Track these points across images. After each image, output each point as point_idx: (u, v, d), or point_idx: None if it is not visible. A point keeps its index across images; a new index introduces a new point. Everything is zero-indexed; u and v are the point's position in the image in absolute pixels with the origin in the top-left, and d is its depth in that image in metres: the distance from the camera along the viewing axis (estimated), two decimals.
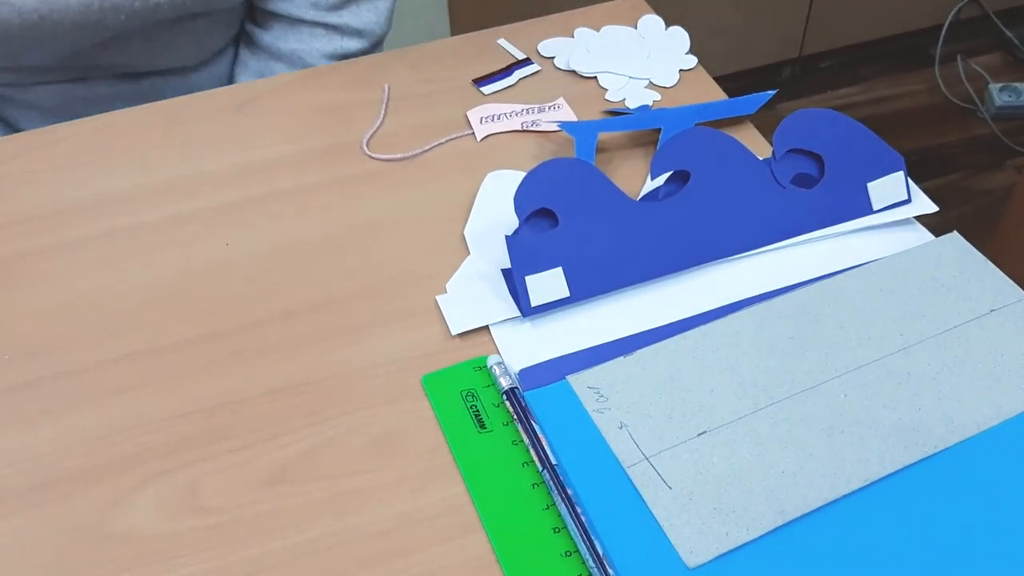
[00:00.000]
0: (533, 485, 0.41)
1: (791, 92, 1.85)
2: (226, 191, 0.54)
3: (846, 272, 0.48)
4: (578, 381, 0.44)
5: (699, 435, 0.42)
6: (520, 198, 0.46)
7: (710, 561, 0.37)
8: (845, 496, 0.39)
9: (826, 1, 1.82)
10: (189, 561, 0.38)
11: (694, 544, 0.38)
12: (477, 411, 0.43)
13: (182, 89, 0.66)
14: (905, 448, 0.41)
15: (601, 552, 0.38)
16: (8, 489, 0.41)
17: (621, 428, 0.42)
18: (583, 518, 0.39)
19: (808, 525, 0.39)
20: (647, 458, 0.41)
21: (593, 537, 0.38)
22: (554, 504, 0.40)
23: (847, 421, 0.42)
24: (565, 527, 0.39)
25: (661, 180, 0.50)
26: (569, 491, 0.39)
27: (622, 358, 0.45)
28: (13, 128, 0.68)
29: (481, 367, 0.45)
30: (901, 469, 0.40)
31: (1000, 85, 1.69)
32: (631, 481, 0.40)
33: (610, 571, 0.37)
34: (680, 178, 0.49)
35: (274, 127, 0.58)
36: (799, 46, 1.89)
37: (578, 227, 0.47)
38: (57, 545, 0.39)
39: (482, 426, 0.43)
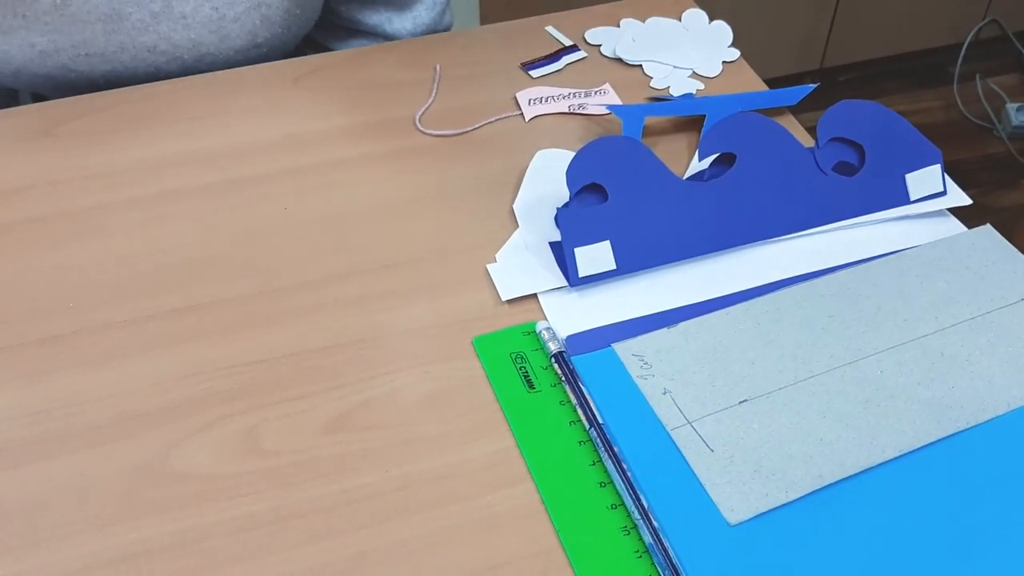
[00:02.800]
0: (580, 442, 0.42)
1: (810, 104, 1.87)
2: (283, 159, 0.56)
3: (884, 257, 0.50)
4: (623, 349, 0.46)
5: (740, 403, 0.43)
6: (572, 172, 0.48)
7: (749, 519, 0.39)
8: (880, 464, 0.41)
9: (849, 15, 1.85)
10: (249, 500, 0.40)
11: (735, 503, 0.40)
12: (526, 372, 0.45)
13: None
14: (938, 423, 0.42)
15: (646, 505, 0.39)
16: (74, 427, 0.43)
17: (664, 394, 0.44)
18: (628, 474, 0.40)
19: (844, 490, 0.40)
20: (690, 422, 0.43)
21: (638, 491, 0.40)
22: (600, 461, 0.41)
23: (883, 396, 0.44)
24: (610, 482, 0.41)
25: (707, 162, 0.52)
26: (615, 449, 0.41)
27: (666, 329, 0.46)
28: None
29: (529, 332, 0.47)
30: (934, 442, 0.42)
31: (1017, 105, 1.71)
32: (674, 443, 0.42)
33: (655, 523, 0.39)
34: (725, 161, 0.51)
35: (329, 101, 0.60)
36: (820, 59, 1.92)
37: (626, 203, 0.48)
38: (121, 481, 0.41)
39: (531, 386, 0.45)
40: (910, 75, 1.88)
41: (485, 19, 1.40)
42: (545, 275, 0.49)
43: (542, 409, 0.44)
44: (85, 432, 0.43)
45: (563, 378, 0.44)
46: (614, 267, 0.48)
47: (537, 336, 0.46)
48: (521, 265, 0.50)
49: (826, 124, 0.51)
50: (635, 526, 0.39)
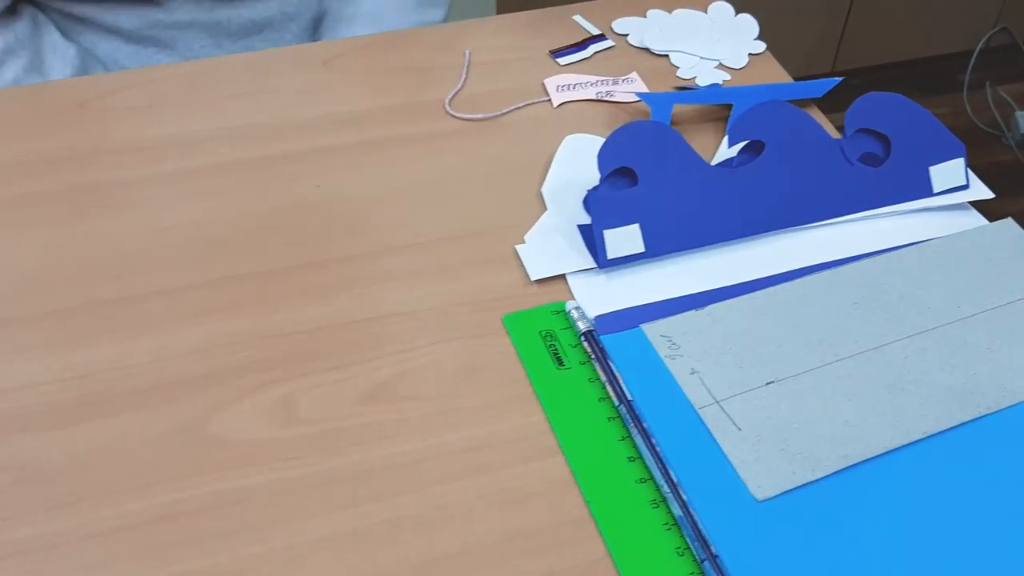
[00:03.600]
0: (608, 418, 0.43)
1: (820, 106, 1.89)
2: (315, 138, 0.57)
3: (908, 247, 0.51)
4: (651, 329, 0.46)
5: (767, 384, 0.44)
6: (603, 155, 0.49)
7: (776, 496, 0.40)
8: (904, 447, 0.42)
9: (861, 20, 1.86)
10: (287, 465, 0.41)
11: (762, 480, 0.41)
12: (555, 350, 0.46)
13: (257, 20, 0.69)
14: (960, 408, 0.43)
15: (676, 480, 0.40)
16: (116, 391, 0.44)
17: (693, 374, 0.45)
18: (658, 449, 0.41)
19: (869, 470, 0.41)
20: (718, 401, 0.44)
21: (668, 467, 0.41)
22: (628, 436, 0.42)
23: (907, 380, 0.44)
24: (639, 457, 0.42)
25: (735, 149, 0.53)
26: (645, 425, 0.42)
27: (694, 311, 0.47)
28: (91, 55, 0.70)
29: (558, 311, 0.48)
30: (957, 426, 0.43)
31: None
32: (702, 421, 0.43)
33: (684, 497, 0.40)
34: (754, 148, 0.52)
35: (360, 83, 0.61)
36: (832, 62, 1.93)
37: (656, 187, 0.49)
38: (162, 444, 0.42)
39: (560, 363, 0.45)
40: (920, 81, 1.89)
41: (502, 8, 1.41)
42: (573, 256, 0.50)
43: (571, 386, 0.45)
44: (127, 396, 0.44)
45: (592, 356, 0.45)
46: (643, 250, 0.49)
47: (566, 315, 0.47)
48: (549, 246, 0.50)
49: (853, 115, 0.52)
50: (663, 499, 0.40)
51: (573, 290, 0.49)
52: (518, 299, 0.48)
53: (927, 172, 0.53)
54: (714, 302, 0.48)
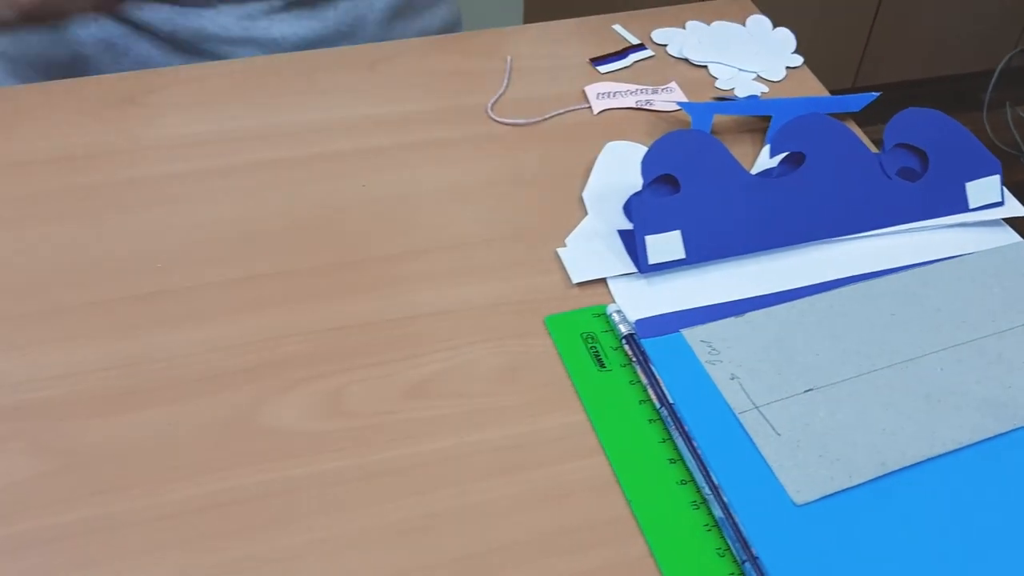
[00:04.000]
0: (649, 420, 0.44)
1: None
2: (361, 138, 0.58)
3: (944, 261, 0.51)
4: (692, 334, 0.47)
5: (805, 391, 0.45)
6: (647, 162, 0.50)
7: (815, 501, 0.41)
8: (940, 456, 0.43)
9: (884, 37, 1.86)
10: (332, 457, 0.42)
11: (801, 485, 0.41)
12: (596, 352, 0.47)
13: (311, 38, 0.70)
14: (995, 420, 0.44)
15: (716, 482, 0.41)
16: (164, 381, 0.45)
17: (732, 379, 0.45)
18: (699, 452, 0.42)
19: (905, 478, 0.42)
20: (757, 407, 0.44)
21: (708, 469, 0.41)
22: (669, 439, 0.43)
23: (943, 392, 0.45)
24: (680, 459, 0.42)
25: (776, 160, 0.53)
26: (686, 428, 0.43)
27: (733, 318, 0.48)
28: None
29: (599, 314, 0.48)
30: (991, 437, 0.43)
31: None
32: (742, 426, 0.43)
33: (725, 499, 0.40)
34: (794, 160, 0.52)
35: (404, 86, 0.62)
36: (853, 78, 1.93)
37: (698, 195, 0.50)
38: (210, 433, 0.43)
39: (601, 365, 0.46)
40: (940, 100, 1.89)
41: (529, 16, 1.42)
42: (614, 261, 0.51)
43: (612, 387, 0.45)
44: (175, 386, 0.44)
45: (633, 359, 0.46)
46: (683, 256, 0.50)
47: (607, 318, 0.48)
48: (590, 250, 0.51)
49: (892, 130, 0.53)
50: (704, 501, 0.41)
51: (614, 294, 0.49)
52: (559, 301, 0.49)
53: (963, 188, 0.54)
54: (752, 310, 0.49)
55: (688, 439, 0.42)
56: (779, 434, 0.43)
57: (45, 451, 0.42)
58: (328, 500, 0.41)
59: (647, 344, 0.46)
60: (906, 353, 0.47)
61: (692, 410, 0.44)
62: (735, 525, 0.39)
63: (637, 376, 0.45)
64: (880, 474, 0.42)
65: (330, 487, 0.41)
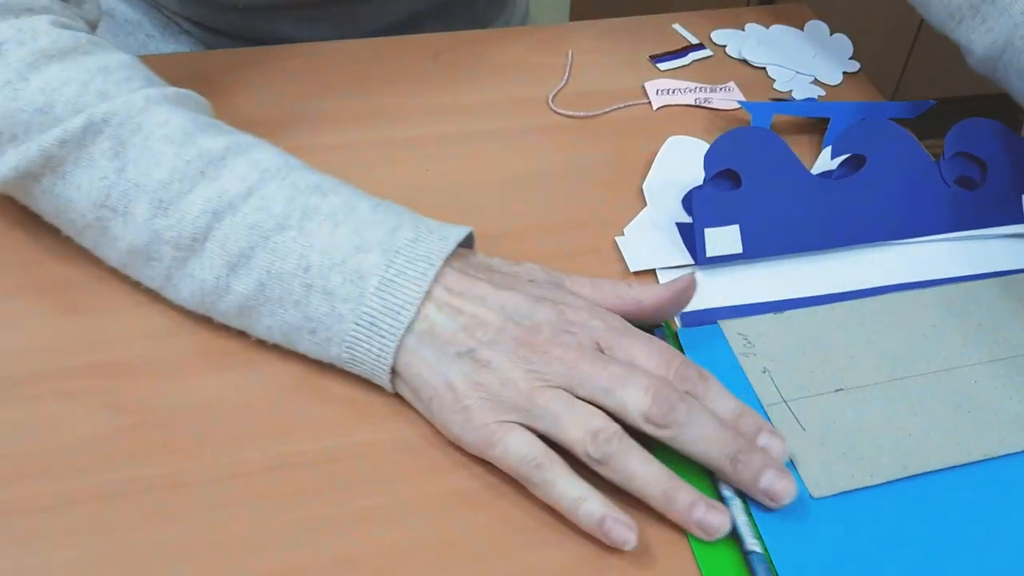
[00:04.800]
0: None
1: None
2: (423, 125, 0.59)
3: (994, 278, 0.52)
4: (728, 326, 0.48)
5: (836, 391, 0.45)
6: (710, 157, 0.51)
7: (832, 496, 0.41)
8: (964, 466, 0.43)
9: (925, 52, 1.86)
10: (396, 426, 0.43)
11: (820, 479, 0.42)
12: None
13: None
14: None
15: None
16: (234, 344, 0.46)
17: (764, 372, 0.46)
18: None
19: (926, 484, 0.42)
20: (785, 401, 0.45)
21: None
22: None
23: (974, 404, 0.45)
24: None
25: (836, 162, 0.54)
26: None
27: (773, 314, 0.49)
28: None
29: None
30: (1018, 452, 0.43)
31: None
32: (768, 418, 0.44)
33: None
34: (853, 162, 0.53)
35: (466, 76, 0.63)
36: (892, 92, 1.93)
37: (758, 191, 0.51)
38: (277, 397, 0.44)
39: None
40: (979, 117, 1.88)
41: (576, 14, 1.42)
42: (672, 251, 0.51)
43: None
44: (245, 351, 0.46)
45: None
46: (740, 251, 0.51)
47: None
48: (649, 241, 0.52)
49: (953, 139, 0.54)
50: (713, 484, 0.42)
51: None
52: None
53: (1020, 199, 0.55)
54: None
55: None
56: (804, 429, 0.44)
57: (122, 409, 0.43)
58: (393, 467, 0.42)
59: (682, 334, 0.47)
60: (941, 363, 0.47)
61: None
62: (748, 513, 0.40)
63: None
64: (901, 476, 0.42)
65: (395, 454, 0.42)
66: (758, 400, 0.45)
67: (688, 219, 0.53)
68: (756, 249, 0.51)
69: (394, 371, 0.43)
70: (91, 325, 0.47)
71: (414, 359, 0.42)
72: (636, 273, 0.51)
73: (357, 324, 0.42)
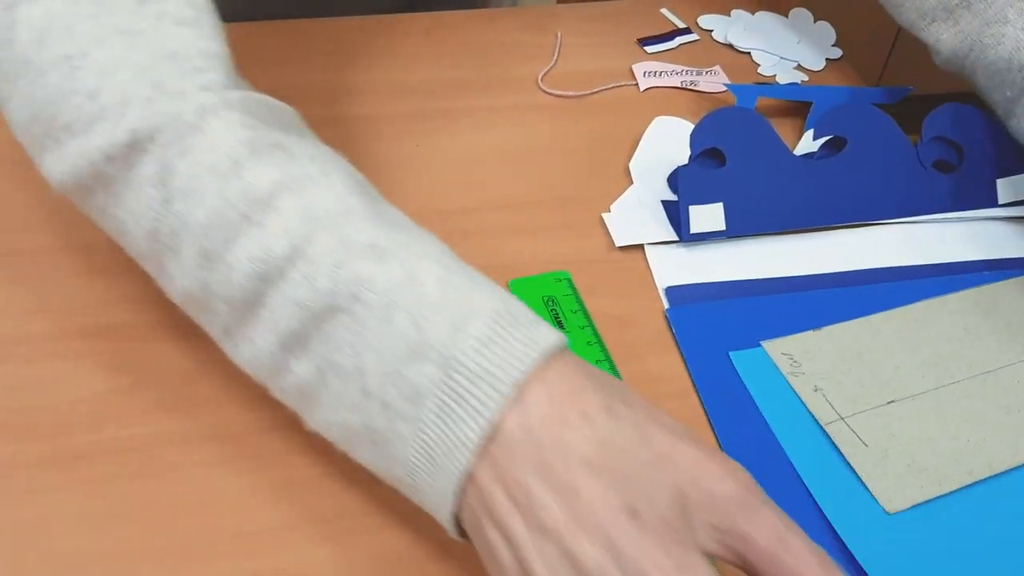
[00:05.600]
0: None
1: None
2: (415, 102, 0.60)
3: (1009, 280, 0.52)
4: (772, 347, 0.48)
5: (888, 403, 0.46)
6: (696, 135, 0.52)
7: (906, 509, 0.42)
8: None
9: (908, 46, 1.88)
10: None
11: (892, 494, 0.42)
12: (556, 314, 0.49)
13: None
14: None
15: (811, 493, 0.42)
16: None
17: (816, 391, 0.46)
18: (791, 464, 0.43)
19: (992, 487, 0.43)
20: (843, 418, 0.45)
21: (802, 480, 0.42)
22: None
23: (1022, 403, 0.46)
24: None
25: (817, 143, 0.56)
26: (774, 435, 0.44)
27: (811, 332, 0.49)
28: None
29: (560, 279, 0.50)
30: None
31: None
32: (828, 437, 0.44)
33: (822, 510, 0.41)
34: (834, 144, 0.55)
35: (457, 54, 0.64)
36: (877, 81, 1.95)
37: (742, 170, 0.52)
38: None
39: (560, 326, 0.48)
40: None
41: None
42: (656, 228, 0.53)
43: (570, 347, 0.46)
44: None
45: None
46: (724, 228, 0.52)
47: (567, 283, 0.49)
48: (634, 217, 0.53)
49: (931, 123, 0.55)
50: None
51: (650, 260, 0.52)
52: (599, 264, 0.51)
53: (994, 183, 0.56)
54: (785, 289, 0.51)
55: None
56: (867, 444, 0.44)
57: (120, 369, 0.44)
58: None
59: (735, 358, 0.47)
60: (983, 366, 0.48)
61: (781, 425, 0.45)
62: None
63: (594, 337, 0.47)
64: (968, 482, 0.42)
65: None
66: (815, 420, 0.45)
67: (673, 197, 0.54)
68: (739, 227, 0.52)
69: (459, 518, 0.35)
70: (96, 287, 0.47)
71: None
72: (621, 248, 0.52)
73: (416, 451, 0.34)
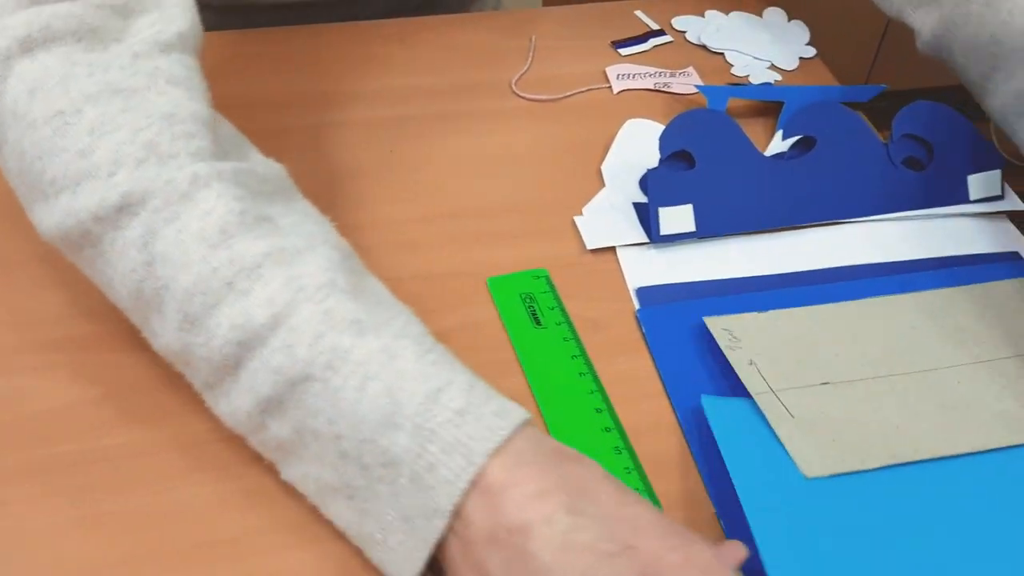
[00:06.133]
0: (580, 374, 0.46)
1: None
2: (389, 107, 0.60)
3: (972, 286, 0.52)
4: (714, 323, 0.48)
5: (822, 384, 0.46)
6: (665, 138, 0.52)
7: (824, 477, 0.42)
8: (951, 459, 0.43)
9: (897, 40, 1.88)
10: None
11: (812, 460, 0.42)
12: (534, 311, 0.49)
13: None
14: (1008, 431, 0.44)
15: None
16: None
17: (750, 364, 0.47)
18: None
19: (913, 473, 0.42)
20: (773, 390, 0.45)
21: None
22: (597, 390, 0.45)
23: (958, 402, 0.46)
24: (605, 409, 0.45)
25: (787, 144, 0.56)
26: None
27: (756, 313, 0.49)
28: None
29: (538, 276, 0.51)
30: (1006, 448, 0.44)
31: None
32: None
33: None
34: (804, 144, 0.55)
35: (432, 59, 0.64)
36: (864, 81, 1.95)
37: (712, 171, 0.52)
38: None
39: (537, 323, 0.49)
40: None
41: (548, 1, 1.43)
42: (627, 231, 0.53)
43: (547, 343, 0.47)
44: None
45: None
46: (694, 229, 0.52)
47: (545, 280, 0.50)
48: (606, 220, 0.54)
49: (900, 121, 0.55)
50: (626, 447, 0.43)
51: (622, 262, 0.52)
52: (572, 267, 0.51)
53: (965, 180, 0.56)
54: (753, 287, 0.51)
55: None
56: (793, 416, 0.44)
57: (86, 381, 0.44)
58: None
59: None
60: (924, 364, 0.48)
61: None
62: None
63: (570, 333, 0.48)
64: (890, 463, 0.42)
65: None
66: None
67: (645, 199, 0.55)
68: (709, 228, 0.53)
69: None
70: (60, 299, 0.48)
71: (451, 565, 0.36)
72: (593, 251, 0.52)
73: (393, 514, 0.36)
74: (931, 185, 0.56)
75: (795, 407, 0.45)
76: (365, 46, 0.65)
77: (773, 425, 0.43)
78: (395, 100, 0.61)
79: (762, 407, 0.44)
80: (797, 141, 0.56)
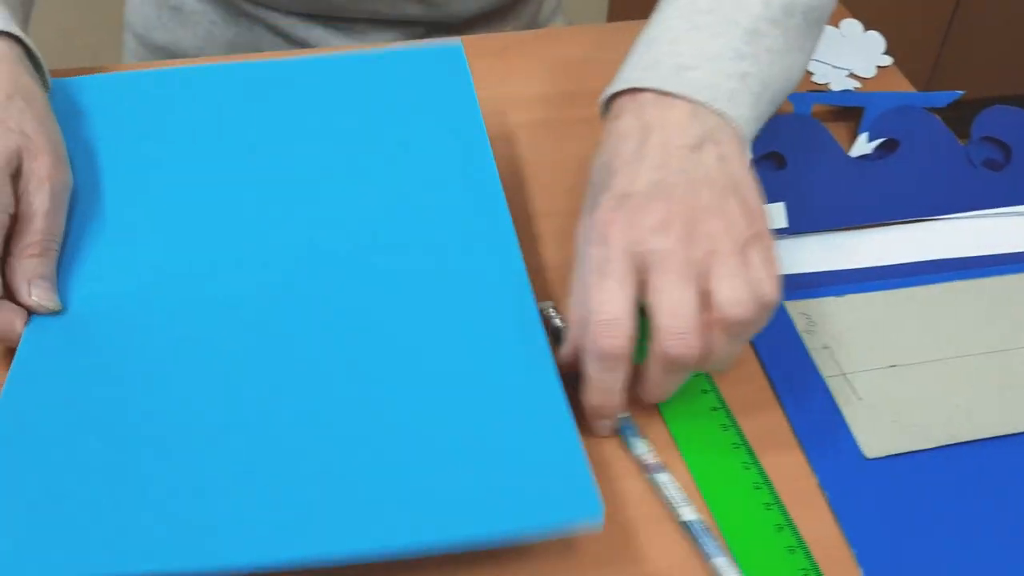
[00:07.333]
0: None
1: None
2: (493, 115, 0.65)
3: None
4: (792, 307, 0.52)
5: (890, 367, 0.50)
6: (757, 141, 0.56)
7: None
8: (1012, 435, 0.46)
9: (956, 50, 1.89)
10: None
11: (873, 443, 0.46)
12: None
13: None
14: None
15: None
16: None
17: (825, 348, 0.50)
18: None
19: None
20: (844, 374, 0.49)
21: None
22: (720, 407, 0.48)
23: (1021, 383, 0.49)
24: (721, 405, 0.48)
25: (872, 145, 0.59)
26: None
27: (834, 297, 0.53)
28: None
29: None
30: None
31: None
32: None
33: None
34: (887, 146, 0.58)
35: (533, 70, 0.69)
36: (925, 86, 1.96)
37: (801, 172, 0.56)
38: None
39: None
40: None
41: (612, 15, 1.48)
42: None
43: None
44: None
45: None
46: (786, 226, 0.56)
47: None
48: None
49: (980, 123, 0.59)
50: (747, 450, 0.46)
51: None
52: None
53: None
54: (844, 281, 0.54)
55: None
56: (860, 398, 0.48)
57: None
58: None
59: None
60: (993, 346, 0.50)
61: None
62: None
63: None
64: (949, 443, 0.46)
65: None
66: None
67: None
68: (800, 224, 0.56)
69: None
70: None
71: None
72: None
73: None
74: (1010, 185, 0.59)
75: (863, 389, 0.48)
76: (469, 59, 0.69)
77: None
78: (496, 107, 0.65)
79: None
80: (879, 144, 0.59)
